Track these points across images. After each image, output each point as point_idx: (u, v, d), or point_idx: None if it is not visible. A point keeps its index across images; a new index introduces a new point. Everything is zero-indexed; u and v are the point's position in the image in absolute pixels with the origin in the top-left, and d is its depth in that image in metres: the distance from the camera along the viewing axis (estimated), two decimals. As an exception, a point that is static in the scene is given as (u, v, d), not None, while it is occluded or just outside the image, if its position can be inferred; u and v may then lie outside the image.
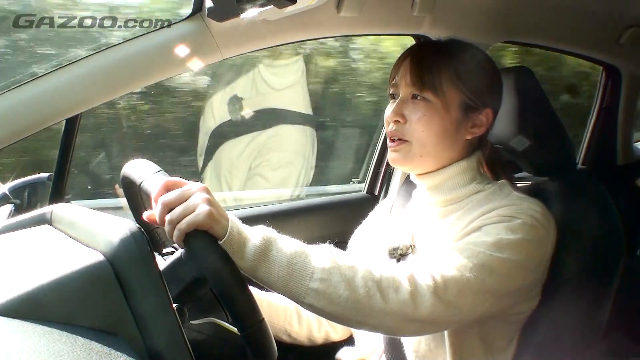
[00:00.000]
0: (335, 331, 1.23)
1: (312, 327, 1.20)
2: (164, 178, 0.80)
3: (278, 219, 1.53)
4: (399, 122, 1.04)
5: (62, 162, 1.20)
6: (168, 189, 0.79)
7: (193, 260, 0.82)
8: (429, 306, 0.85)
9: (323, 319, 1.21)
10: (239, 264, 0.79)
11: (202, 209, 0.76)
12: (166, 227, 0.78)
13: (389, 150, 1.07)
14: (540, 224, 0.96)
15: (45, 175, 1.30)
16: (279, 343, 1.08)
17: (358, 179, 2.00)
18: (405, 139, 1.04)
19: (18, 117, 0.98)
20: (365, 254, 1.21)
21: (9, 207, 1.29)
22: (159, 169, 0.83)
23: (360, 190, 1.84)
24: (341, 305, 0.82)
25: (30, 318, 0.59)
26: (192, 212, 0.76)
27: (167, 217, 0.77)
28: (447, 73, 1.03)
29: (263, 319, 0.77)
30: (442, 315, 0.87)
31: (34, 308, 0.60)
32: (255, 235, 0.81)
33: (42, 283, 0.61)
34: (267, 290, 1.10)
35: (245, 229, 0.82)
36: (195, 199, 0.77)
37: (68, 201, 1.26)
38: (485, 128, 1.07)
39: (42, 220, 0.89)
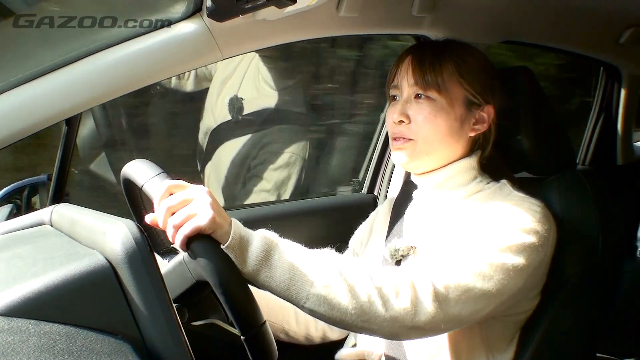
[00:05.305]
0: (333, 330, 1.23)
1: (309, 326, 1.20)
2: (167, 181, 0.79)
3: (278, 219, 1.53)
4: (403, 122, 1.05)
5: (62, 162, 1.20)
6: (170, 192, 0.79)
7: (195, 264, 0.82)
8: (429, 313, 0.84)
9: None
10: (241, 268, 0.79)
11: (205, 213, 0.76)
12: (168, 231, 0.78)
13: (393, 150, 1.08)
14: (541, 225, 0.96)
15: (45, 175, 1.30)
16: (276, 342, 1.08)
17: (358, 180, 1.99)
18: (411, 138, 1.05)
19: (18, 117, 0.98)
20: (365, 256, 1.21)
21: (8, 207, 1.30)
22: (161, 170, 0.82)
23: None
24: (342, 311, 0.81)
25: (30, 318, 0.59)
26: (195, 216, 0.76)
27: (170, 221, 0.77)
28: (449, 70, 1.04)
29: (265, 322, 0.77)
30: (442, 322, 0.87)
31: (34, 308, 0.60)
32: (257, 239, 0.81)
33: (42, 283, 0.61)
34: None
35: (248, 233, 0.81)
36: (197, 203, 0.77)
37: (68, 201, 1.26)
38: (488, 125, 1.07)
39: (42, 221, 0.89)
